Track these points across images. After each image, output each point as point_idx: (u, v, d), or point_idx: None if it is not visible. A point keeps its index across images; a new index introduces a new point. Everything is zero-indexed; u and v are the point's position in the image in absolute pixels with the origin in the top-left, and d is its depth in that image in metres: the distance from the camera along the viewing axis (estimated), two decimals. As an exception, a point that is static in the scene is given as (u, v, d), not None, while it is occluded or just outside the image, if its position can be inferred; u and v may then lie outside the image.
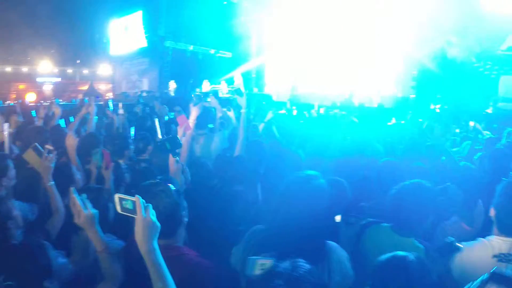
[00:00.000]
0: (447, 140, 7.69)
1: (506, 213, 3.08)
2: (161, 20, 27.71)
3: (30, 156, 3.95)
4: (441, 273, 2.98)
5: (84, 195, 2.77)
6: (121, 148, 5.50)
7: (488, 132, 8.43)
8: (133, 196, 2.30)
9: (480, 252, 2.98)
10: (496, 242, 3.06)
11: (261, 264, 2.36)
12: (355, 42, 22.76)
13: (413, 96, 20.36)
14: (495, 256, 2.96)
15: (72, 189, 2.78)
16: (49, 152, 3.93)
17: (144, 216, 2.24)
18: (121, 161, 5.21)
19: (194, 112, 5.19)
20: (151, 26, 29.41)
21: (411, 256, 2.38)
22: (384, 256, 2.45)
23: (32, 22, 31.01)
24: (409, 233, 3.21)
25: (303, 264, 2.07)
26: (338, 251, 2.90)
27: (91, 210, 2.72)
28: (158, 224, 2.27)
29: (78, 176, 4.42)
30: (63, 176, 4.06)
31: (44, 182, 3.82)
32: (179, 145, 4.20)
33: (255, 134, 7.15)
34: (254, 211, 3.97)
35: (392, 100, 20.02)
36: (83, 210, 2.69)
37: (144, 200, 2.29)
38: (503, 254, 2.95)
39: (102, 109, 9.40)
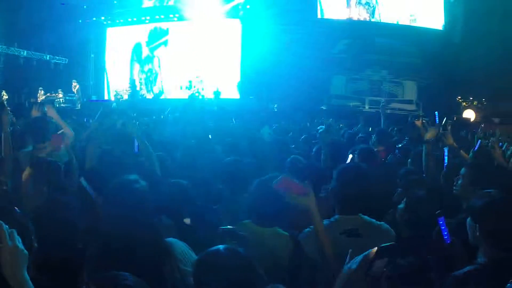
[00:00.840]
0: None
1: (344, 194, 3.42)
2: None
3: None
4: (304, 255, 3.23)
5: None
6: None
7: (322, 126, 8.99)
8: None
9: (329, 231, 3.16)
10: (341, 221, 3.35)
11: None
12: (197, 47, 23.24)
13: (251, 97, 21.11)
14: (342, 232, 3.25)
15: None
16: None
17: (10, 244, 1.98)
18: None
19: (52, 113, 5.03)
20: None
21: (221, 248, 2.40)
22: (199, 254, 2.52)
23: None
24: (272, 223, 3.42)
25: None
26: (177, 244, 2.97)
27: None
28: (26, 251, 2.02)
29: None
30: None
31: None
32: None
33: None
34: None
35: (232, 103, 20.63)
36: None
37: (7, 226, 2.01)
38: (348, 229, 3.25)
39: None
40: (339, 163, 4.32)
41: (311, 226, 3.15)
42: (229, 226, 3.01)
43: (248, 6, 22.11)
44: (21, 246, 2.01)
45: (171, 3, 24.34)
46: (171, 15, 24.12)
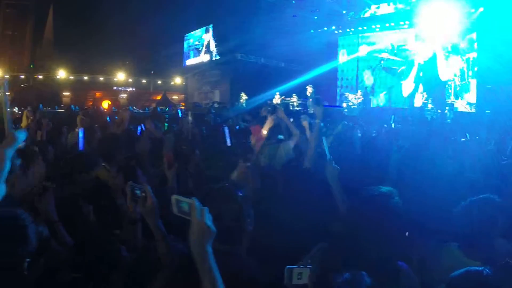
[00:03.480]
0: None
1: None
2: (232, 34, 28.15)
3: (102, 174, 4.02)
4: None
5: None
6: (187, 154, 5.51)
7: None
8: (191, 198, 2.19)
9: None
10: None
11: (298, 273, 2.27)
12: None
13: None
14: None
15: (129, 183, 2.81)
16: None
17: (199, 219, 2.13)
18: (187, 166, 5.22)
19: (269, 121, 5.21)
20: (222, 40, 29.98)
21: (486, 270, 2.14)
22: (456, 272, 2.24)
23: (109, 35, 32.39)
24: (478, 255, 2.84)
25: (365, 277, 1.97)
26: (409, 275, 2.73)
27: (154, 198, 2.73)
28: (213, 228, 2.14)
29: (143, 179, 4.45)
30: (128, 179, 4.10)
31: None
32: (250, 151, 4.22)
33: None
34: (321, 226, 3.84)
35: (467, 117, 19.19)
36: (150, 197, 2.71)
37: (200, 203, 2.17)
38: None
39: (174, 117, 9.61)
40: None
41: None
42: None
43: (481, 9, 20.29)
44: (209, 223, 2.13)
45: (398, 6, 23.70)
46: (402, 23, 23.52)
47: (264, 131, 5.55)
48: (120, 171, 4.26)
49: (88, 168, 4.21)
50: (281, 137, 6.88)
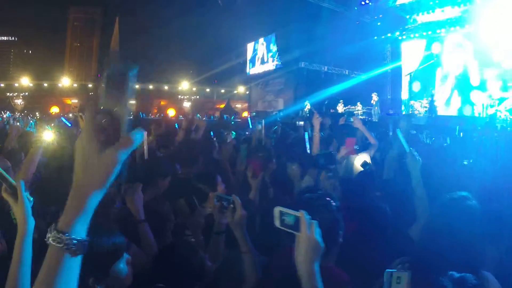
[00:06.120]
0: None
1: None
2: (295, 43, 28.20)
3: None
4: None
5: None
6: (264, 161, 5.42)
7: None
8: (299, 210, 2.08)
9: None
10: None
11: (397, 277, 2.17)
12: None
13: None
14: None
15: (215, 193, 2.88)
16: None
17: (309, 234, 2.02)
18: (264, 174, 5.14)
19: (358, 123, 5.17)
20: (285, 48, 30.08)
21: None
22: None
23: (173, 45, 33.24)
24: None
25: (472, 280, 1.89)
26: (491, 281, 2.56)
27: (243, 211, 2.72)
28: (323, 244, 2.03)
29: (222, 185, 4.40)
30: (207, 185, 4.07)
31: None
32: (334, 162, 4.13)
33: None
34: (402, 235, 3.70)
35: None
36: (240, 209, 2.69)
37: (309, 216, 2.06)
38: None
39: (239, 125, 9.64)
40: None
41: None
42: None
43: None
44: (319, 238, 2.02)
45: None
46: (467, 26, 22.68)
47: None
48: (200, 177, 4.23)
49: (165, 172, 4.20)
50: (355, 147, 6.75)
